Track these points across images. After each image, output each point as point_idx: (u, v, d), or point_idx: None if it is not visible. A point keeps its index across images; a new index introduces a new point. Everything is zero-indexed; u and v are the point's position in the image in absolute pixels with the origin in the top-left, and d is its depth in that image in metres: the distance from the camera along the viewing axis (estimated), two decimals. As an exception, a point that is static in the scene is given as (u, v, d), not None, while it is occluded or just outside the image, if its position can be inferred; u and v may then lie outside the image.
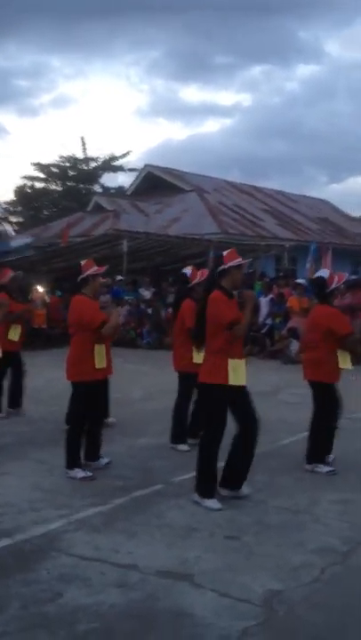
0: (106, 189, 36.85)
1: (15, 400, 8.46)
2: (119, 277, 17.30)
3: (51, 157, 52.25)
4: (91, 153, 37.48)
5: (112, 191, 35.76)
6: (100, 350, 5.72)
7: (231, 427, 5.05)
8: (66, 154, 37.43)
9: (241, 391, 4.99)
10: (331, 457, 6.02)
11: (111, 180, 38.20)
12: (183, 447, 6.56)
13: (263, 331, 15.20)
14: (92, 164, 37.44)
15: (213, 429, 4.96)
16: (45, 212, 37.01)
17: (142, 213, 25.34)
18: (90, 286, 5.83)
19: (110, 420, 7.55)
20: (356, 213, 34.57)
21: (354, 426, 7.42)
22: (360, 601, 3.58)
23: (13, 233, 31.54)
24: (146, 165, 29.62)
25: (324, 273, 6.18)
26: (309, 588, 3.68)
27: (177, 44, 79.71)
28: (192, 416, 6.69)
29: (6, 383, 8.41)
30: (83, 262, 5.90)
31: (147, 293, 18.42)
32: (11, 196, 37.98)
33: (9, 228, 33.62)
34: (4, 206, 37.25)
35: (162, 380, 9.51)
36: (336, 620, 3.37)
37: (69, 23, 72.55)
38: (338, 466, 5.93)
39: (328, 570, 3.91)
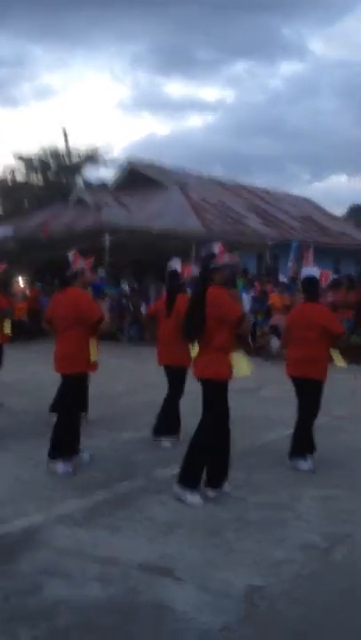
0: (88, 183, 36.61)
1: None
2: (101, 271, 17.25)
3: (32, 148, 51.92)
4: (73, 145, 37.30)
5: (94, 185, 35.51)
6: (93, 344, 5.70)
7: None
8: (47, 145, 37.23)
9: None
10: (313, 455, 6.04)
11: (93, 173, 37.76)
12: (167, 443, 6.54)
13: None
14: (75, 158, 37.20)
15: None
16: (26, 205, 36.67)
17: (125, 208, 25.22)
18: (80, 279, 5.81)
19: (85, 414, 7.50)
20: (338, 211, 34.78)
21: (335, 423, 7.47)
22: (340, 597, 3.60)
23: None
24: (129, 160, 29.47)
25: (314, 272, 6.20)
26: (290, 583, 3.69)
27: (161, 37, 79.84)
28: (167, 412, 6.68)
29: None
30: (70, 255, 5.86)
31: (128, 288, 18.39)
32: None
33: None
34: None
35: (145, 373, 9.51)
36: (317, 615, 3.38)
37: (53, 12, 71.99)
38: (320, 463, 5.95)
39: (309, 566, 3.93)
